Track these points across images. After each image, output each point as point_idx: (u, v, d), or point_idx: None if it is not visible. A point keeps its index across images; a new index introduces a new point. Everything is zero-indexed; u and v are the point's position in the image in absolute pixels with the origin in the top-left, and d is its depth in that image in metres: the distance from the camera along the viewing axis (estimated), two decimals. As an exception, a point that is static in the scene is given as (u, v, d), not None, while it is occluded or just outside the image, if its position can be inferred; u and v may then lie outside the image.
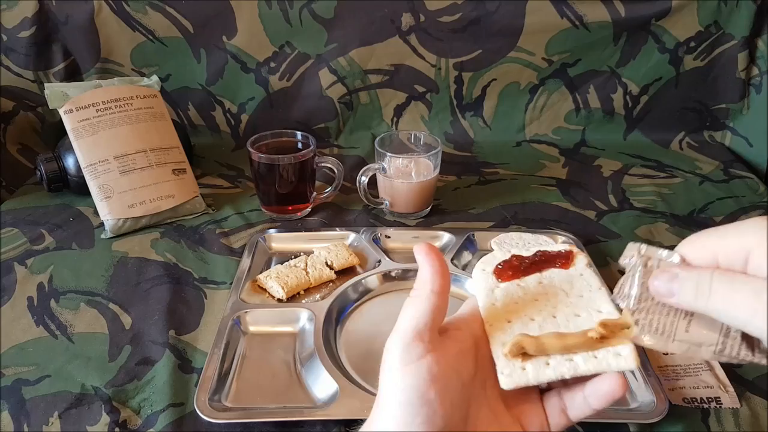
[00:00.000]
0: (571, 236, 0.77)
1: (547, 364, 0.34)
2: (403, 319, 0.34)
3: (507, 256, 0.39)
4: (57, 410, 0.54)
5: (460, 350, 0.35)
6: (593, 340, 0.33)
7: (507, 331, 0.35)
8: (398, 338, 0.34)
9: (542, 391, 0.37)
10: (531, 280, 0.38)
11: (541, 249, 0.39)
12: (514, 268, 0.38)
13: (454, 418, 0.33)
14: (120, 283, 0.71)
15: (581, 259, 0.39)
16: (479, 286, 0.39)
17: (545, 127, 1.09)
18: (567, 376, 0.33)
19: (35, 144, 0.99)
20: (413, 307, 0.34)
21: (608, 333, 0.33)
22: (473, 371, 0.35)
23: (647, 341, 0.33)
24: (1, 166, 0.93)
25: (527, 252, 0.39)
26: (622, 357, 0.33)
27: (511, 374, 0.33)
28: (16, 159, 0.96)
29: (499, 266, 0.39)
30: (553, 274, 0.38)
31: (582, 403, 0.35)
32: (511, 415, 0.36)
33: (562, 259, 0.38)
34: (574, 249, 0.39)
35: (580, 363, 0.33)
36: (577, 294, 0.37)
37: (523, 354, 0.34)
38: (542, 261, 0.38)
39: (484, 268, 0.40)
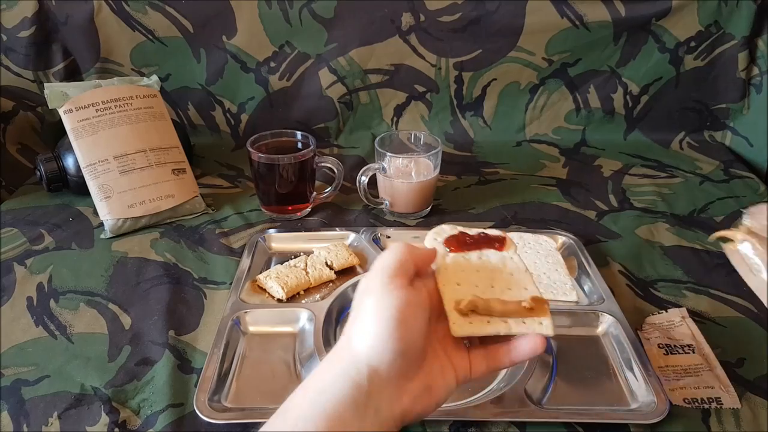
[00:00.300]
0: (572, 236, 0.77)
1: (488, 322, 0.42)
2: (385, 259, 0.40)
3: (455, 232, 0.47)
4: (56, 410, 0.54)
5: (423, 297, 0.41)
6: (525, 309, 0.42)
7: (457, 292, 0.42)
8: (382, 271, 0.39)
9: (468, 347, 0.44)
10: (473, 255, 0.46)
11: (483, 231, 0.48)
12: (460, 242, 0.46)
13: (417, 345, 0.39)
14: (120, 283, 0.70)
15: (512, 246, 0.47)
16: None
17: (545, 127, 1.09)
18: (501, 333, 0.42)
19: (35, 144, 0.99)
20: (393, 253, 0.41)
21: (535, 306, 0.42)
22: (429, 317, 0.41)
23: (736, 260, 0.42)
24: (1, 166, 0.93)
25: (471, 231, 0.47)
26: (543, 325, 0.42)
27: (461, 325, 0.41)
28: (16, 159, 0.96)
29: (449, 238, 0.47)
30: (490, 254, 0.46)
31: (503, 356, 0.43)
32: (446, 357, 0.42)
33: (498, 243, 0.47)
34: (507, 236, 0.48)
35: (513, 325, 0.42)
36: (509, 273, 0.45)
37: (471, 311, 0.41)
38: (483, 241, 0.47)
39: (435, 237, 0.47)
